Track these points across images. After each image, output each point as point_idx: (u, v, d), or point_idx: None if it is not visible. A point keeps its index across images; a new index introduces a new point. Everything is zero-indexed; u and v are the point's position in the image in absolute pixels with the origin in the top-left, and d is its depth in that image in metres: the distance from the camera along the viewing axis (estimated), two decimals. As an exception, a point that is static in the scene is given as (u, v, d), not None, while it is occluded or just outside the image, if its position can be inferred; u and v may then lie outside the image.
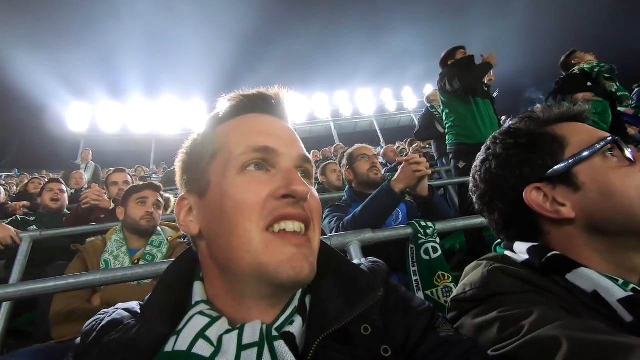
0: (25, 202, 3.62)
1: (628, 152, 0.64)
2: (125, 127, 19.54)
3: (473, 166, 0.79)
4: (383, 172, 2.21)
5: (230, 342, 0.47)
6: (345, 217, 1.75)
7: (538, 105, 0.74)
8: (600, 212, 0.61)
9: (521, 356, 0.48)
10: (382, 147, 8.28)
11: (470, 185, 0.80)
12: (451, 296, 0.70)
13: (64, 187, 3.17)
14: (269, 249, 0.49)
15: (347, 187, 2.23)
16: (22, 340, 1.98)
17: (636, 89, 5.69)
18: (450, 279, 1.32)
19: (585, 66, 3.71)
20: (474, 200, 0.79)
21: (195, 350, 0.46)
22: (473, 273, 0.68)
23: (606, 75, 3.68)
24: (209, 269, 0.56)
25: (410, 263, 1.40)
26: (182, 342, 0.47)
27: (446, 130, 3.41)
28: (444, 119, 3.47)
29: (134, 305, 0.58)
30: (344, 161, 2.24)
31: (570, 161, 0.64)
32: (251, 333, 0.47)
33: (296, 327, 0.51)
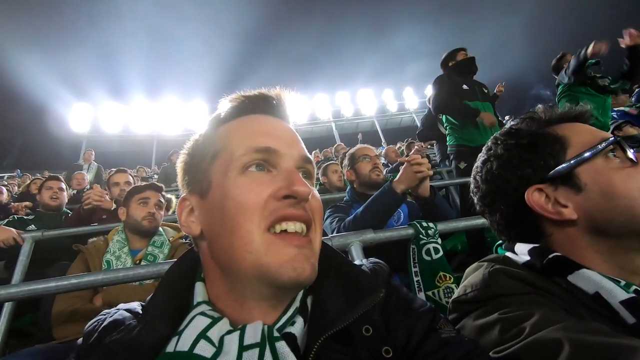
0: (27, 203, 3.62)
1: (630, 153, 0.63)
2: (127, 128, 19.57)
3: (474, 167, 0.79)
4: (384, 172, 2.21)
5: (232, 342, 0.47)
6: (346, 218, 1.75)
7: (539, 106, 0.74)
8: (602, 214, 0.61)
9: (523, 358, 0.48)
10: (384, 148, 8.26)
11: (472, 186, 0.79)
12: (452, 297, 0.70)
13: (63, 185, 3.14)
14: (270, 249, 0.49)
15: (348, 188, 2.22)
16: (24, 340, 1.99)
17: (637, 90, 5.67)
18: (452, 280, 1.32)
19: None
20: (475, 201, 0.79)
21: (196, 350, 0.46)
22: (474, 274, 0.68)
23: (597, 75, 3.72)
24: (210, 269, 0.56)
25: (412, 264, 1.40)
26: (183, 342, 0.47)
27: (447, 132, 3.41)
28: (444, 122, 3.47)
29: (136, 305, 0.58)
30: (346, 162, 2.24)
31: (572, 162, 0.64)
32: (252, 334, 0.48)
33: (297, 328, 0.51)
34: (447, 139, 3.40)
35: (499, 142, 0.73)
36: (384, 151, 6.91)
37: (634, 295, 0.54)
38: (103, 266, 1.71)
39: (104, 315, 0.55)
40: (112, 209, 2.70)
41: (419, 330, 0.55)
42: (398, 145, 8.45)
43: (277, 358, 0.46)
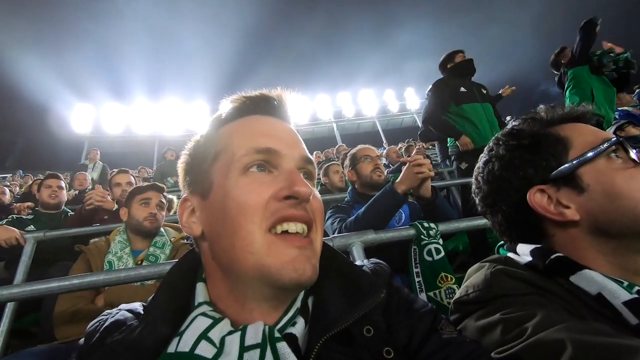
0: (29, 203, 3.63)
1: (633, 154, 0.63)
2: (128, 129, 19.63)
3: (476, 167, 0.79)
4: (385, 173, 2.21)
5: (233, 343, 0.47)
6: (347, 218, 1.75)
7: (541, 106, 0.74)
8: (605, 214, 0.60)
9: (525, 359, 0.48)
10: (385, 148, 8.27)
11: (473, 187, 0.79)
12: (454, 298, 0.69)
13: (62, 184, 3.13)
14: (271, 250, 0.49)
15: (349, 188, 2.22)
16: (26, 340, 1.99)
17: (637, 90, 5.65)
18: (453, 281, 1.31)
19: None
20: (477, 202, 0.79)
21: (197, 351, 0.46)
22: (476, 275, 0.67)
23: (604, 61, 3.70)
24: (211, 270, 0.56)
25: (413, 264, 1.39)
26: (184, 343, 0.47)
27: None
28: None
29: (137, 306, 0.58)
30: (347, 162, 2.24)
31: (574, 162, 0.64)
32: (254, 334, 0.48)
33: (298, 329, 0.51)
34: (448, 140, 3.40)
35: (500, 142, 0.73)
36: (385, 152, 6.92)
37: (636, 296, 0.54)
38: (105, 267, 1.72)
39: (106, 315, 0.55)
40: (114, 209, 2.71)
41: (420, 331, 0.55)
42: (399, 145, 8.45)
43: (278, 359, 0.46)
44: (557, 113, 0.71)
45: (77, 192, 4.98)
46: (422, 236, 1.39)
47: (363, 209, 1.68)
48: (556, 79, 4.23)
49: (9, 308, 1.50)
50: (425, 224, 1.42)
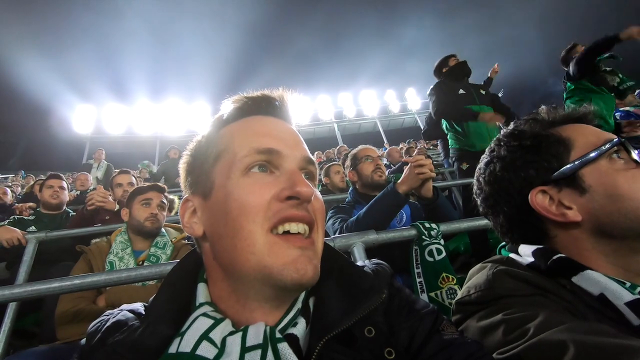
0: (31, 204, 3.64)
1: (635, 154, 0.63)
2: (130, 129, 19.68)
3: (477, 168, 0.79)
4: (387, 173, 2.20)
5: (234, 344, 0.47)
6: (349, 219, 1.75)
7: (543, 107, 0.73)
8: (607, 215, 0.60)
9: (527, 359, 0.48)
10: (386, 149, 8.26)
11: (475, 187, 0.79)
12: (456, 299, 0.69)
13: (64, 184, 3.13)
14: (273, 251, 0.49)
15: (350, 189, 2.22)
16: (27, 340, 1.99)
17: (638, 90, 5.63)
18: (455, 281, 1.31)
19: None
20: (479, 203, 0.78)
21: (199, 352, 0.46)
22: (478, 275, 0.67)
23: (607, 69, 3.61)
24: (212, 270, 0.56)
25: (414, 265, 1.39)
26: (186, 343, 0.47)
27: (447, 134, 3.40)
28: (445, 129, 3.46)
29: (138, 306, 0.58)
30: (348, 162, 2.24)
31: (576, 163, 0.64)
32: (255, 335, 0.47)
33: (300, 329, 0.51)
34: (449, 141, 3.39)
35: (502, 143, 0.73)
36: (386, 151, 6.91)
37: (639, 296, 0.54)
38: (106, 267, 1.72)
39: (107, 316, 0.55)
40: (115, 209, 2.71)
41: (421, 331, 0.55)
42: (400, 146, 8.44)
43: (279, 359, 0.46)
44: (558, 114, 0.71)
45: (78, 192, 4.99)
46: (424, 236, 1.39)
47: (364, 209, 1.68)
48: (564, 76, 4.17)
49: (11, 308, 1.51)
50: (427, 225, 1.41)
